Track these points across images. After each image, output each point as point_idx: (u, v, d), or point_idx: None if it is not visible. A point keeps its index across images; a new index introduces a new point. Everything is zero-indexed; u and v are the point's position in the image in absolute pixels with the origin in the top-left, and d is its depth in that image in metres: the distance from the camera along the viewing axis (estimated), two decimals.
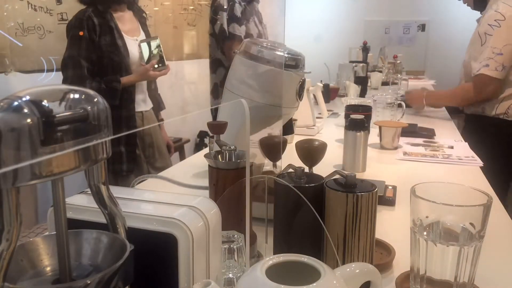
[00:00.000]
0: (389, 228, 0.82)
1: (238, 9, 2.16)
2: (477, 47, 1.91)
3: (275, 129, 1.02)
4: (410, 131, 1.71)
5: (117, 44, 1.86)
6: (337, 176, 0.65)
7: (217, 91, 2.26)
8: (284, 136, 1.00)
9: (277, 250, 0.66)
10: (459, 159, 1.31)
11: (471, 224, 0.55)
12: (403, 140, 1.55)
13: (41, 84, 0.33)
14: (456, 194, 0.60)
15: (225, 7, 2.14)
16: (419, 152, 1.40)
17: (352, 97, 2.45)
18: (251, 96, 0.94)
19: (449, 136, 1.69)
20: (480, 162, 1.29)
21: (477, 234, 0.55)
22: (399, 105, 1.90)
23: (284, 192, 0.64)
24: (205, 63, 3.99)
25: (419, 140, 1.58)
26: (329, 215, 0.62)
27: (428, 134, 1.70)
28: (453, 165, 1.30)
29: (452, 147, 1.46)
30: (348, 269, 0.48)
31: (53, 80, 2.28)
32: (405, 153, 1.39)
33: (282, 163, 0.93)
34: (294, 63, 0.95)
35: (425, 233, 0.57)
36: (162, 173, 1.20)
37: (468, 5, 2.15)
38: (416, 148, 1.48)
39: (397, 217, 0.93)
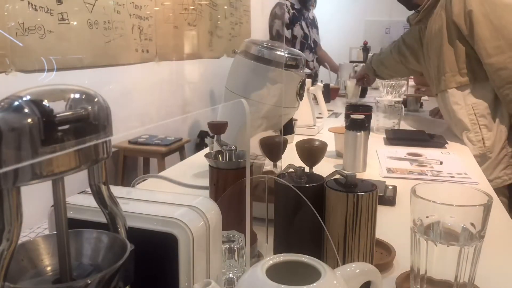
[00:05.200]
0: (389, 228, 0.82)
1: (286, 16, 2.98)
2: None
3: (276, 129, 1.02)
4: (420, 139, 1.51)
5: None
6: (337, 176, 0.65)
7: None
8: (285, 136, 1.00)
9: (277, 250, 0.66)
10: (451, 176, 1.18)
11: (472, 224, 0.55)
12: (384, 154, 1.40)
13: (42, 84, 0.33)
14: (456, 194, 0.60)
15: (278, 14, 3.15)
16: (405, 169, 1.25)
17: (353, 97, 2.45)
18: (252, 96, 0.94)
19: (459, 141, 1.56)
20: (475, 181, 1.14)
21: (477, 234, 0.55)
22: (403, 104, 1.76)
23: (284, 192, 0.64)
24: (205, 63, 4.00)
25: (402, 153, 1.40)
26: (329, 215, 0.62)
27: (440, 142, 1.50)
28: (444, 183, 1.08)
29: (441, 163, 1.29)
30: (348, 269, 0.48)
31: (53, 80, 2.27)
32: (389, 170, 1.24)
33: (283, 163, 0.93)
34: (294, 63, 0.95)
35: (425, 233, 0.57)
36: (162, 173, 1.20)
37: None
38: (400, 163, 1.31)
39: (397, 217, 0.93)
